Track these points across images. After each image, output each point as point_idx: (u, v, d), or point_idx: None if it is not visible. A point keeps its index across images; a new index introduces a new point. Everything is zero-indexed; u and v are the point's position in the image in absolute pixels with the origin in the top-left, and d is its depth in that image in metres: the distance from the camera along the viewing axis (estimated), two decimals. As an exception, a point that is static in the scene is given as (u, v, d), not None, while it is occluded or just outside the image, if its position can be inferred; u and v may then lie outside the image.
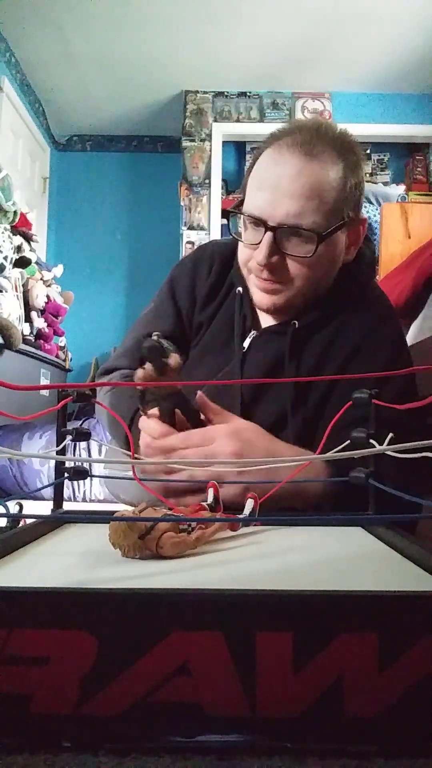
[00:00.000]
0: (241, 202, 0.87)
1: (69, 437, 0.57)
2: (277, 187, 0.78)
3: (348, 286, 0.89)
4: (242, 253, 0.87)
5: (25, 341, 2.41)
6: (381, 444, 0.56)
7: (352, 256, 0.89)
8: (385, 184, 3.93)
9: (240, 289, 0.92)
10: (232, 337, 0.92)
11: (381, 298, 0.96)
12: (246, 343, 0.91)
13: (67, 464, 0.58)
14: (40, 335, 2.75)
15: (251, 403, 0.88)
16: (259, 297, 0.86)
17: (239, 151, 4.30)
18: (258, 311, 0.92)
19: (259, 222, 0.80)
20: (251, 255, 0.84)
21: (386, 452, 0.39)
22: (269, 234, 0.79)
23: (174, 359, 0.63)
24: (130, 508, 0.49)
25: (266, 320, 0.92)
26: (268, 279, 0.83)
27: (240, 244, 0.88)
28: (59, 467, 0.59)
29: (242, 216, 0.84)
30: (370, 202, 3.47)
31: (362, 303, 0.91)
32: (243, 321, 0.91)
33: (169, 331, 0.93)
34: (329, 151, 0.80)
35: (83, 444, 1.81)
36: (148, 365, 0.64)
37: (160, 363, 0.63)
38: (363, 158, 0.87)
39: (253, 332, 0.91)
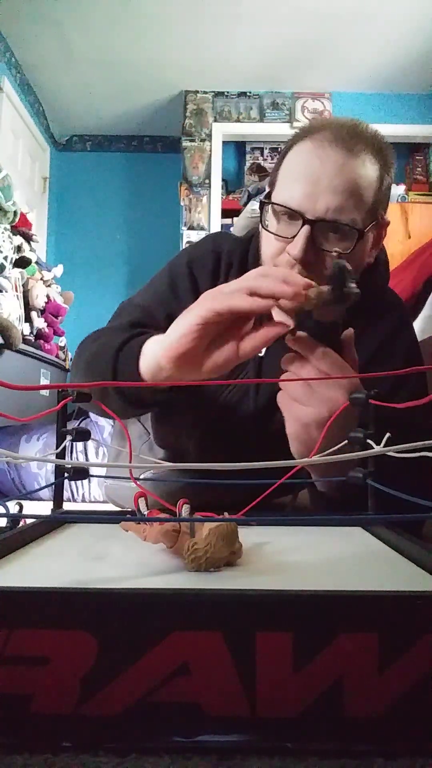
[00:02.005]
0: (269, 194, 0.83)
1: (69, 437, 0.57)
2: (317, 181, 0.76)
3: (367, 290, 0.88)
4: (270, 247, 0.82)
5: (25, 341, 2.41)
6: (379, 444, 0.56)
7: (372, 259, 0.87)
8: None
9: None
10: None
11: (397, 302, 0.95)
12: (263, 348, 0.89)
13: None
14: (40, 335, 2.75)
15: (266, 410, 0.86)
16: None
17: (239, 151, 4.31)
18: (274, 313, 0.89)
19: (294, 215, 0.77)
20: (281, 249, 0.80)
21: (389, 453, 0.39)
22: (306, 228, 0.75)
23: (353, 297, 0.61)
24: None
25: None
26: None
27: (266, 238, 0.83)
28: (59, 467, 0.59)
29: (271, 207, 0.80)
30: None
31: (380, 308, 0.89)
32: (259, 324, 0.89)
33: None
34: (368, 150, 0.78)
35: (80, 443, 1.81)
36: (326, 288, 0.61)
37: (341, 291, 0.61)
38: (394, 160, 0.84)
39: None
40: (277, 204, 0.79)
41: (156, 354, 0.69)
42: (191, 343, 0.64)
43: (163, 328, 0.86)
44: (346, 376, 0.67)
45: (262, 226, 0.84)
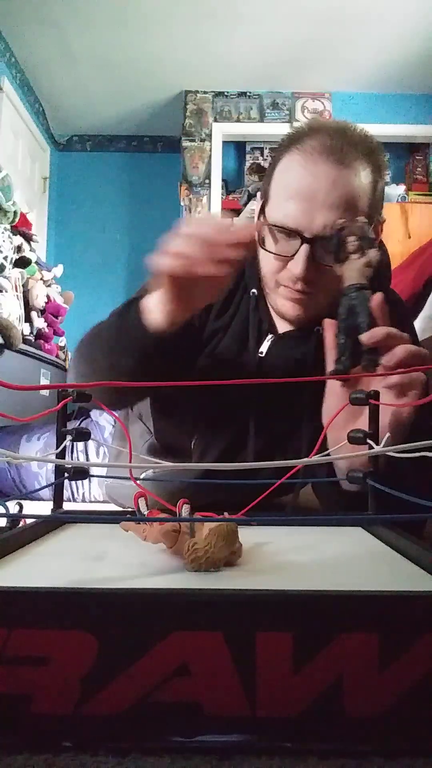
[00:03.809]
0: (263, 207, 0.84)
1: (69, 437, 0.57)
2: (312, 198, 0.76)
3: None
4: (270, 264, 0.83)
5: (25, 341, 2.41)
6: (378, 444, 0.56)
7: None
8: (386, 184, 3.93)
9: (254, 291, 0.88)
10: (248, 341, 0.89)
11: (397, 301, 0.95)
12: (264, 347, 0.88)
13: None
14: (40, 335, 2.75)
15: (267, 410, 0.86)
16: (288, 307, 0.84)
17: (239, 151, 4.30)
18: (273, 314, 0.89)
19: (292, 233, 0.78)
20: (281, 266, 0.81)
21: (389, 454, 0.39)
22: (306, 246, 0.76)
23: None
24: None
25: (282, 324, 0.89)
26: (302, 290, 0.80)
27: (264, 256, 0.84)
28: (59, 467, 0.59)
29: (277, 228, 0.80)
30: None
31: None
32: (259, 324, 0.88)
33: (179, 326, 0.90)
34: (358, 157, 0.77)
35: (80, 443, 1.81)
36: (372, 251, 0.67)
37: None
38: (385, 159, 0.84)
39: (270, 336, 0.88)
40: (274, 225, 0.79)
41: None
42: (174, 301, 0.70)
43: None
44: (343, 377, 0.67)
45: (260, 245, 0.84)
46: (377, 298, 0.66)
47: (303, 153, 0.78)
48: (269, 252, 0.82)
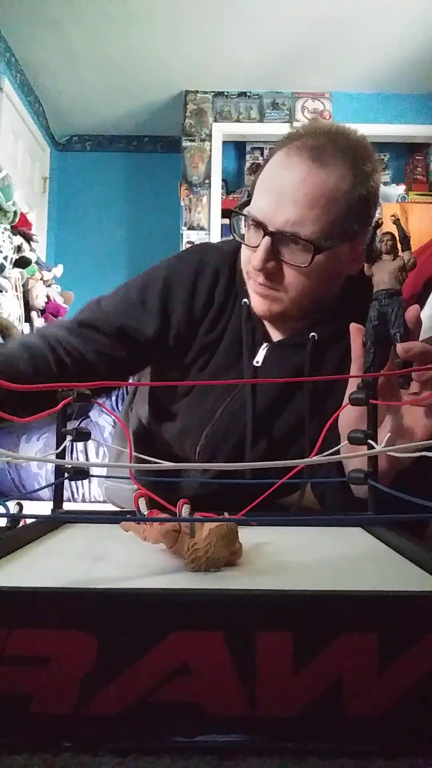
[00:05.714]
0: (249, 202, 0.84)
1: (69, 438, 0.57)
2: (280, 193, 0.76)
3: (359, 298, 0.88)
4: (244, 254, 0.85)
5: (25, 341, 2.40)
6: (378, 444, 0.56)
7: (356, 271, 0.84)
8: (385, 184, 3.93)
9: (246, 300, 0.88)
10: (242, 352, 0.89)
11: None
12: (260, 357, 0.88)
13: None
14: (40, 335, 2.75)
15: (264, 417, 0.86)
16: (256, 301, 0.84)
17: (239, 151, 4.31)
18: (266, 323, 0.89)
19: (259, 225, 0.79)
20: (250, 258, 0.82)
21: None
22: (267, 239, 0.77)
23: None
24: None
25: (276, 333, 0.89)
26: (263, 284, 0.81)
27: (243, 248, 0.85)
28: (59, 467, 0.59)
29: (245, 216, 0.82)
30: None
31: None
32: (252, 334, 0.88)
33: (150, 336, 0.89)
34: (341, 160, 0.77)
35: (80, 443, 1.81)
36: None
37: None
38: (379, 167, 0.83)
39: (265, 345, 0.88)
40: (241, 213, 0.81)
41: None
42: None
43: (108, 337, 0.88)
44: (341, 376, 0.67)
45: (232, 233, 0.86)
46: (414, 309, 0.62)
47: (287, 151, 0.78)
48: (240, 241, 0.83)
